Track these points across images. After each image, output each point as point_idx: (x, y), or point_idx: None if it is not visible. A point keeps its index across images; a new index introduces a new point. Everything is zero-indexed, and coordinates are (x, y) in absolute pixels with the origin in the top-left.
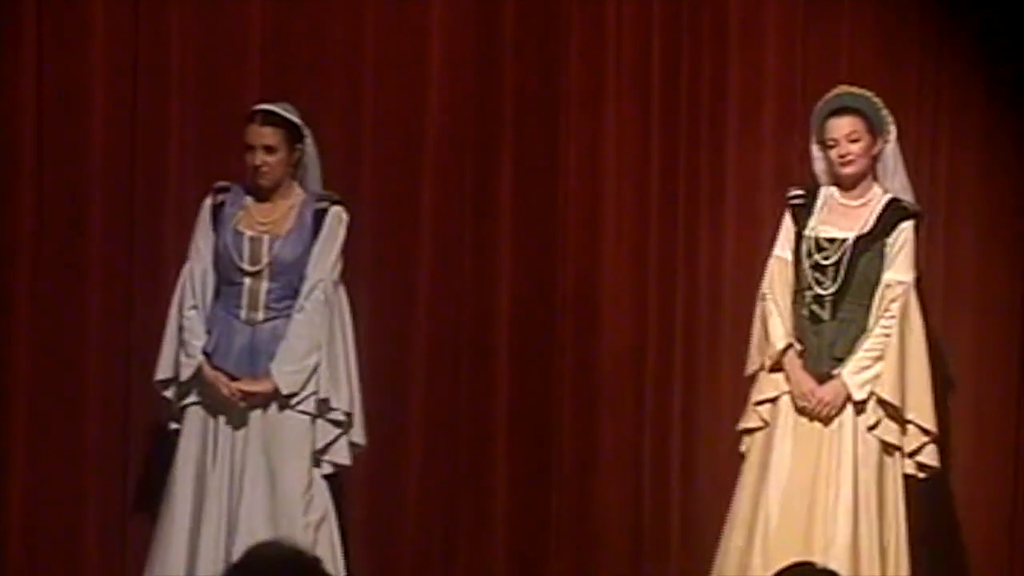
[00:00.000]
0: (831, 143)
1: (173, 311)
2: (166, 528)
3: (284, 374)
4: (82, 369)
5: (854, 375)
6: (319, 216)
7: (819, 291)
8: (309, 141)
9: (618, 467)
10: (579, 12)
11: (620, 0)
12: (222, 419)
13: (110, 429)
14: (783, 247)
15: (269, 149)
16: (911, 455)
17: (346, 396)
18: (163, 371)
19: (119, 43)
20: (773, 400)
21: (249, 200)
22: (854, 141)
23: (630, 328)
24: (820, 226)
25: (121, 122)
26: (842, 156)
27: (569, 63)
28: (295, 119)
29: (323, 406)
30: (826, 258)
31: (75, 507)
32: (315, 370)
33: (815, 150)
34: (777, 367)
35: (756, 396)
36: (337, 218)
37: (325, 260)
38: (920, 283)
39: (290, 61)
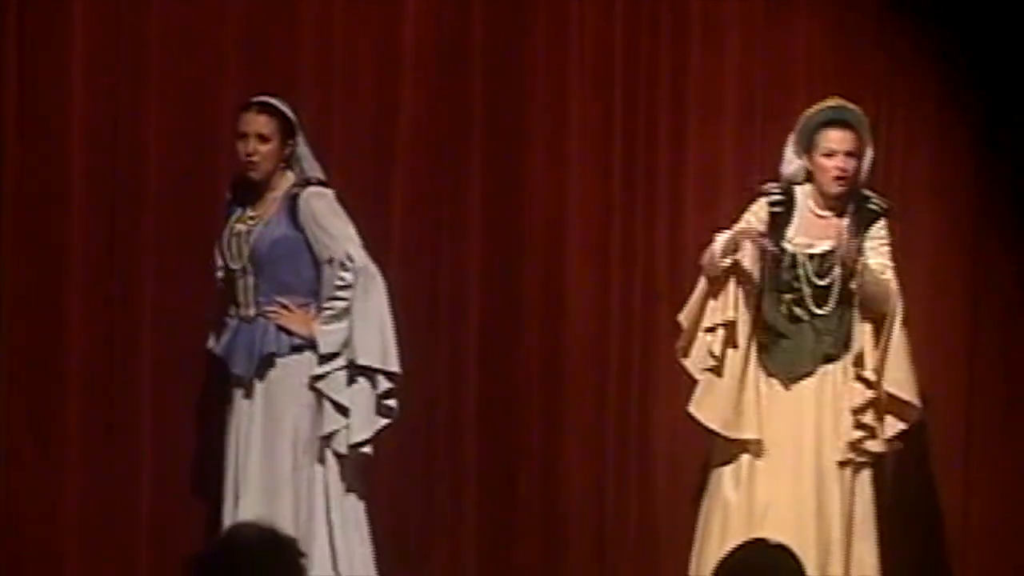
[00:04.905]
0: (829, 153)
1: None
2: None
3: (324, 333)
4: (65, 362)
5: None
6: (292, 201)
7: (807, 299)
8: (301, 140)
9: (583, 449)
10: (544, 14)
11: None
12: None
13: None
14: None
15: (262, 138)
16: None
17: (388, 356)
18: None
19: (100, 44)
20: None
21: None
22: (851, 155)
23: (593, 316)
24: (798, 238)
25: (103, 123)
26: (840, 169)
27: (535, 63)
28: (290, 113)
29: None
30: (821, 276)
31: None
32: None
33: (791, 153)
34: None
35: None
36: (313, 199)
37: (327, 242)
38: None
39: (263, 62)
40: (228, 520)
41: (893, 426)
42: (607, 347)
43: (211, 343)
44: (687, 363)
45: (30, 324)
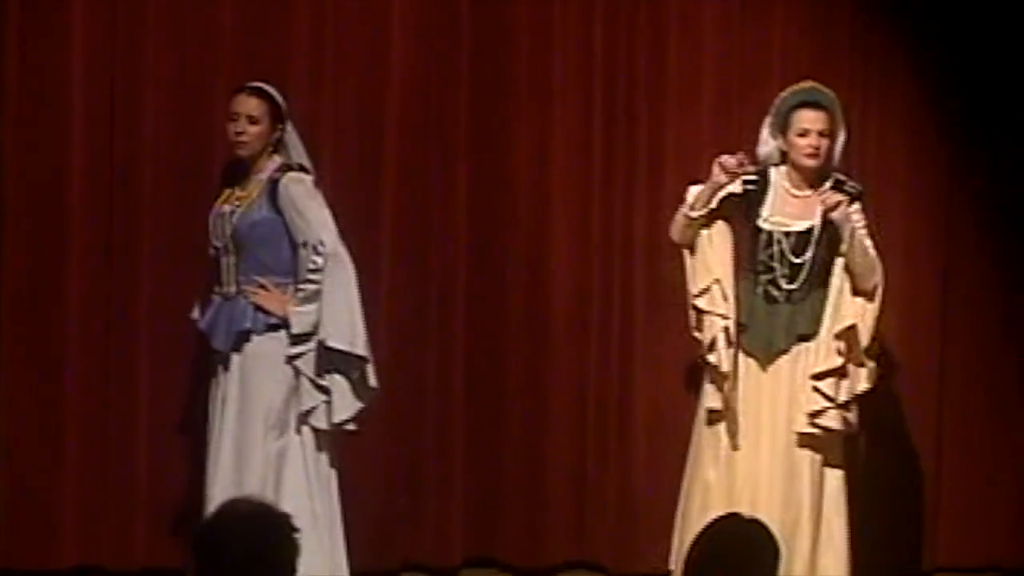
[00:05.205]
0: (802, 132)
1: None
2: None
3: (296, 314)
4: (65, 334)
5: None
6: (273, 185)
7: (779, 278)
8: (290, 127)
9: (565, 423)
10: (528, 4)
11: None
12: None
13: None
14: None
15: (252, 119)
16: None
17: (356, 339)
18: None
19: (98, 32)
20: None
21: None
22: (823, 135)
23: (575, 289)
24: (774, 217)
25: (99, 108)
26: (813, 147)
27: (520, 53)
28: (280, 98)
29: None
30: (796, 255)
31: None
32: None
33: (767, 135)
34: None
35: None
36: (292, 184)
37: (303, 226)
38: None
39: (256, 50)
40: (210, 483)
41: (850, 389)
42: (588, 326)
43: (195, 314)
44: (700, 335)
45: (30, 307)
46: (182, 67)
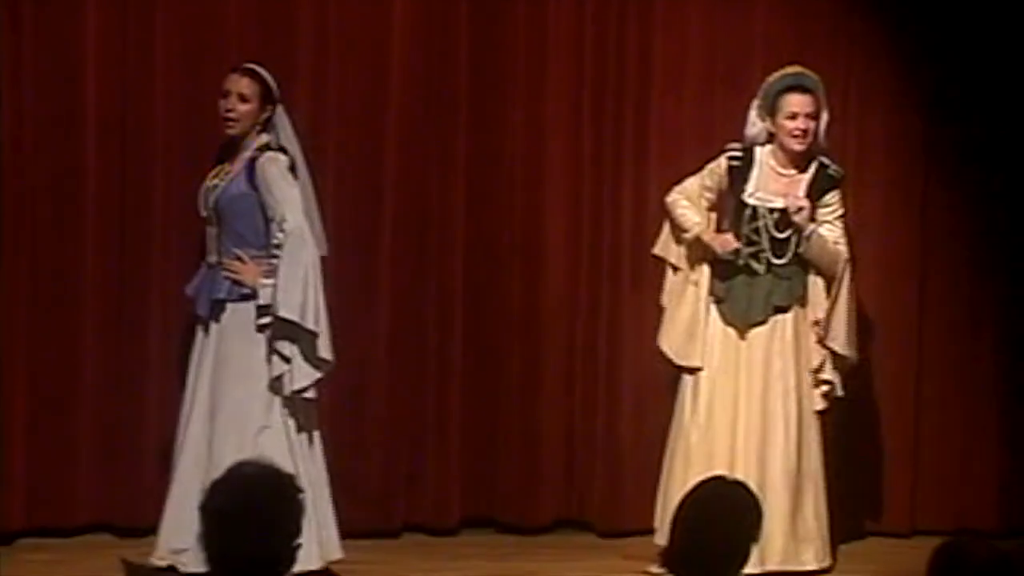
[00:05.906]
0: (791, 115)
1: None
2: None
3: (262, 286)
4: (82, 306)
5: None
6: (251, 163)
7: (762, 252)
8: (281, 110)
9: (556, 389)
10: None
11: None
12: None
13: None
14: (705, 178)
15: (242, 98)
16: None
17: (307, 313)
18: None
19: (110, 19)
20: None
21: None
22: (811, 118)
23: (567, 263)
24: (759, 193)
25: (112, 87)
26: (801, 130)
27: (515, 38)
28: (271, 81)
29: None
30: (780, 230)
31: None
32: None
33: (755, 116)
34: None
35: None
36: (268, 163)
37: (272, 203)
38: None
39: (263, 38)
40: (181, 431)
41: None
42: (578, 299)
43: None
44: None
45: (47, 282)
46: (190, 57)
